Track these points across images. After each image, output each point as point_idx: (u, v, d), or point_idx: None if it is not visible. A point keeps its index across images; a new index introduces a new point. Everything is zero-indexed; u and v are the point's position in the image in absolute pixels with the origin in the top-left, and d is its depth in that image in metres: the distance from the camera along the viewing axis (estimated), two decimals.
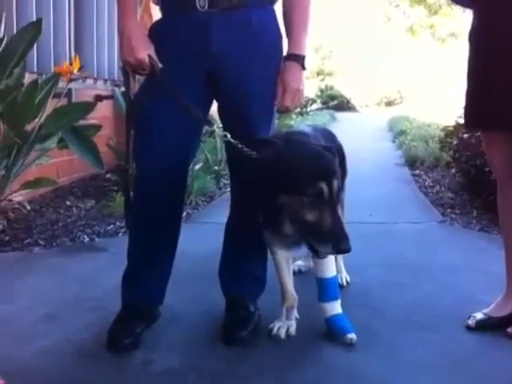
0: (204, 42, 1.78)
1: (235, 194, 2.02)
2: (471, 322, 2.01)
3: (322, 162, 1.67)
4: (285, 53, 1.90)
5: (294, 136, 1.87)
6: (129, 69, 1.80)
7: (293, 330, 1.94)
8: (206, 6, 1.76)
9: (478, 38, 1.93)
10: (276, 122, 2.01)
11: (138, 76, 1.92)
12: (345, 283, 2.39)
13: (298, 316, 1.98)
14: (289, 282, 1.96)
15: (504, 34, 1.83)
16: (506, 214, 2.05)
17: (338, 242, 1.59)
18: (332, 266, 1.94)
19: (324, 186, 1.60)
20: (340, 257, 2.39)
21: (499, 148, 1.96)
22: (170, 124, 1.82)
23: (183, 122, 1.81)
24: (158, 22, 1.90)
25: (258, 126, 1.84)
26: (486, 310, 2.04)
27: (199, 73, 1.81)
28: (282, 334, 1.92)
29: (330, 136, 2.23)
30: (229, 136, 1.79)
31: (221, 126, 1.89)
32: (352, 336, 1.86)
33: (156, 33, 1.84)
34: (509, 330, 1.94)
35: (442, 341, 1.92)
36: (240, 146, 1.76)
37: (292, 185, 1.61)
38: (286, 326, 1.94)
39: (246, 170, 1.77)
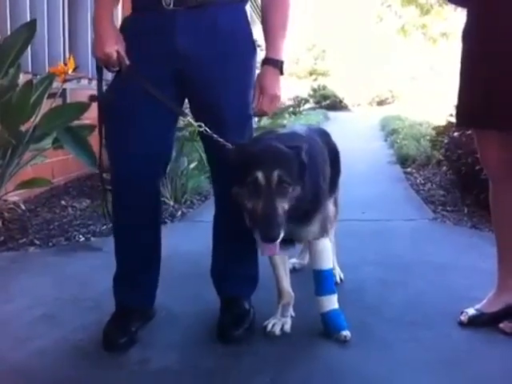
0: (170, 41, 1.77)
1: (216, 188, 2.04)
2: (463, 317, 2.04)
3: (266, 154, 1.68)
4: (262, 56, 1.91)
5: (263, 135, 1.93)
6: (101, 64, 1.81)
7: (288, 327, 1.96)
8: (172, 4, 1.75)
9: (471, 36, 1.94)
10: (267, 122, 2.04)
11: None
12: (338, 280, 2.42)
13: (293, 313, 2.00)
14: (285, 279, 1.99)
15: (498, 32, 1.84)
16: (497, 212, 2.07)
17: (266, 229, 1.61)
18: (329, 259, 1.97)
19: (260, 175, 1.62)
20: (333, 253, 2.42)
21: (491, 146, 1.98)
22: (140, 115, 1.81)
23: (155, 113, 1.81)
24: (127, 17, 1.89)
25: (230, 127, 1.84)
26: (478, 306, 2.06)
27: (166, 72, 1.81)
28: (277, 331, 1.94)
29: (324, 135, 2.25)
30: (203, 126, 1.80)
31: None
32: (346, 333, 1.88)
33: (124, 29, 1.85)
34: (501, 325, 1.97)
35: (435, 338, 1.95)
36: (215, 136, 1.78)
37: (239, 176, 1.67)
38: (280, 322, 1.96)
39: (222, 162, 1.79)
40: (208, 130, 1.80)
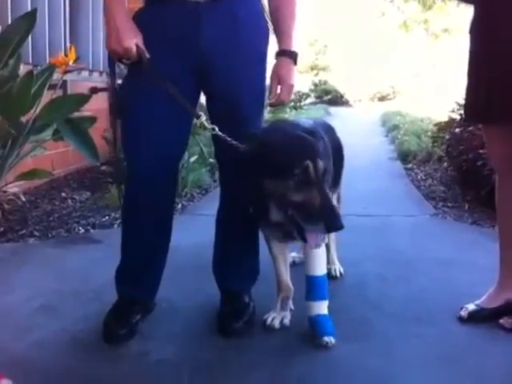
0: (193, 35, 1.76)
1: (224, 186, 2.03)
2: (464, 313, 2.04)
3: (304, 143, 1.69)
4: (276, 48, 1.91)
5: (275, 124, 1.95)
6: (115, 58, 1.77)
7: (287, 320, 1.96)
8: None
9: (478, 30, 1.94)
10: (271, 115, 2.03)
11: (122, 67, 1.90)
12: (338, 275, 2.42)
13: (292, 307, 2.00)
14: (285, 273, 1.98)
15: (505, 26, 1.84)
16: (502, 207, 2.07)
17: (330, 220, 1.59)
18: (323, 265, 1.93)
19: (310, 165, 1.62)
20: (333, 248, 2.42)
21: (500, 141, 1.98)
22: (157, 116, 1.80)
23: (171, 113, 1.80)
24: (141, 10, 1.86)
25: (247, 119, 1.85)
26: (478, 302, 2.06)
27: (188, 66, 1.80)
28: (276, 325, 1.93)
29: (328, 129, 2.25)
30: (216, 129, 1.78)
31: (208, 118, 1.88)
32: (329, 339, 1.83)
33: (140, 22, 1.79)
34: (501, 320, 1.97)
35: (436, 333, 1.94)
36: (229, 139, 1.76)
37: (277, 169, 1.64)
38: (280, 316, 1.95)
39: (234, 163, 1.79)
40: (220, 133, 1.78)
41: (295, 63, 1.90)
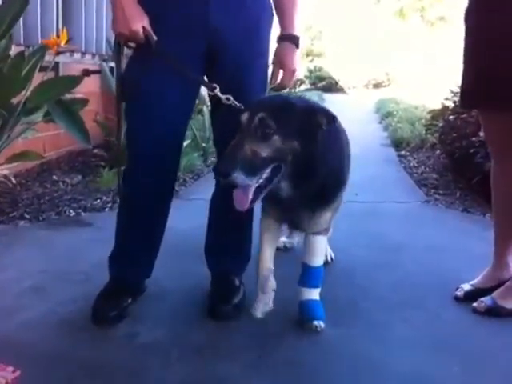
0: (202, 15, 1.75)
1: None
2: (459, 293, 2.09)
3: (264, 100, 1.66)
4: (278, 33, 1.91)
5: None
6: (121, 41, 1.76)
7: (268, 306, 1.88)
8: None
9: (474, 17, 1.94)
10: None
11: (126, 50, 1.89)
12: (329, 260, 2.42)
13: (274, 286, 1.90)
14: (268, 251, 1.90)
15: (501, 12, 1.84)
16: (497, 192, 2.10)
17: (218, 162, 1.57)
18: (321, 256, 1.93)
19: (244, 116, 1.59)
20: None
21: (497, 126, 1.99)
22: (164, 97, 1.80)
23: (177, 93, 1.80)
24: None
25: (248, 99, 1.81)
26: (473, 282, 2.12)
27: (197, 49, 1.79)
28: (259, 314, 1.88)
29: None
30: (231, 98, 1.76)
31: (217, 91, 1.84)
32: (318, 323, 1.84)
33: (144, 2, 1.76)
34: (474, 304, 2.01)
35: (425, 318, 1.96)
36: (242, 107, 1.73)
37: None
38: (261, 303, 1.88)
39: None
40: (236, 102, 1.76)
41: (297, 47, 1.89)
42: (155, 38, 1.73)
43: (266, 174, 1.58)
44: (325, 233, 1.90)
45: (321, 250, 1.91)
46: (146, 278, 2.03)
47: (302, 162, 1.59)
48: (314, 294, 1.90)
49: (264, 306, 1.89)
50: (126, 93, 1.85)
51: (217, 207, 2.05)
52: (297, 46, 1.89)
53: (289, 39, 1.88)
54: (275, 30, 1.95)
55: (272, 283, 1.90)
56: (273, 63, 1.91)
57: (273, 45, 1.94)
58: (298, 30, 1.91)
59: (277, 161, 1.57)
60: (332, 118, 1.61)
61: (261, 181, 1.58)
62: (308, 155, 1.59)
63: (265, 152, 1.55)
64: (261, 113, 1.55)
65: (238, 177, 1.50)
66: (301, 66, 1.96)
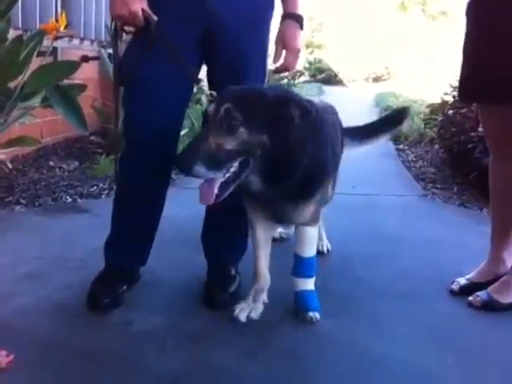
0: (201, 0, 1.73)
1: None
2: (455, 286, 2.09)
3: (231, 91, 1.57)
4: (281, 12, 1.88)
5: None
6: (119, 24, 1.73)
7: (255, 314, 1.84)
8: None
9: (476, 11, 1.94)
10: None
11: (124, 37, 1.87)
12: (325, 251, 2.42)
13: (266, 300, 1.90)
14: (263, 263, 1.89)
15: (503, 6, 1.83)
16: (495, 187, 2.09)
17: (179, 156, 1.49)
18: (313, 247, 1.90)
19: (210, 108, 1.53)
20: (321, 224, 2.34)
21: (496, 120, 1.98)
22: (162, 84, 1.78)
23: (175, 79, 1.78)
24: None
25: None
26: (469, 276, 2.12)
27: (195, 33, 1.77)
28: (242, 318, 1.82)
29: (330, 109, 2.17)
30: (215, 94, 1.74)
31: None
32: (314, 315, 1.83)
33: None
34: (470, 298, 2.01)
35: (421, 311, 1.97)
36: None
37: None
38: (249, 308, 1.85)
39: None
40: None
41: (301, 27, 1.85)
42: (155, 18, 1.70)
43: (233, 168, 1.51)
44: (314, 223, 1.85)
45: (311, 241, 1.87)
46: (142, 265, 2.02)
47: (272, 157, 1.52)
48: (309, 284, 1.88)
49: (250, 312, 1.84)
50: (123, 79, 1.84)
51: None
52: (301, 26, 1.84)
53: (292, 17, 1.84)
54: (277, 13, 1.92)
55: (264, 295, 1.89)
56: (275, 42, 1.85)
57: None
58: (301, 9, 1.86)
59: (244, 154, 1.51)
60: (307, 111, 1.54)
61: (228, 175, 1.52)
62: (279, 149, 1.52)
63: (230, 145, 1.48)
64: (227, 104, 1.49)
65: (200, 170, 1.45)
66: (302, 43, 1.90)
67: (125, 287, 1.93)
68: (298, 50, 1.84)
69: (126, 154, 1.92)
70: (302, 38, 1.86)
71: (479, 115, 2.10)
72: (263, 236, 1.87)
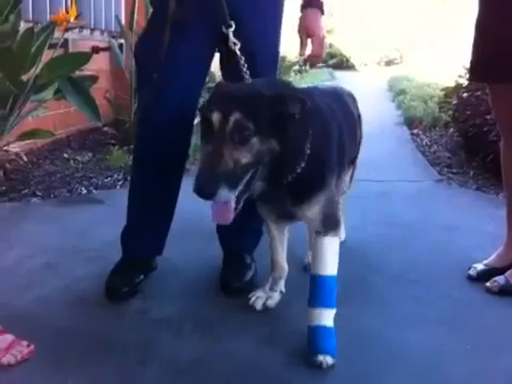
0: None
1: None
2: (472, 272, 2.08)
3: (226, 92, 1.41)
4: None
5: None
6: None
7: (272, 302, 1.83)
8: None
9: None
10: None
11: (134, 28, 1.87)
12: (342, 239, 2.36)
13: (283, 289, 1.88)
14: (280, 252, 1.84)
15: None
16: (508, 170, 2.07)
17: (199, 181, 1.31)
18: (333, 262, 1.61)
19: (215, 118, 1.35)
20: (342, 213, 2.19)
21: (506, 101, 1.95)
22: (177, 67, 1.76)
23: (192, 64, 1.77)
24: None
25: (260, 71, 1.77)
26: (486, 261, 2.10)
27: (210, 22, 1.75)
28: (258, 306, 1.81)
29: (349, 97, 2.08)
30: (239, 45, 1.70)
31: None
32: (325, 359, 1.51)
33: None
34: (488, 284, 1.99)
35: (435, 296, 1.96)
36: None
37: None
38: (265, 296, 1.83)
39: None
40: (241, 57, 1.69)
41: (322, 12, 1.80)
42: None
43: (245, 179, 1.39)
44: (333, 232, 1.62)
45: (330, 255, 1.60)
46: (158, 255, 2.03)
47: (277, 158, 1.40)
48: (326, 318, 1.58)
49: (266, 300, 1.83)
50: (138, 64, 1.85)
51: None
52: (322, 11, 1.80)
53: (313, 5, 1.79)
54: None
55: (282, 285, 1.87)
56: (298, 32, 1.80)
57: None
58: None
59: (257, 164, 1.39)
60: (304, 103, 1.41)
61: (240, 187, 1.39)
62: (284, 150, 1.40)
63: (246, 158, 1.34)
64: (235, 113, 1.33)
65: (224, 193, 1.32)
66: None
67: (142, 276, 1.94)
68: (323, 37, 1.80)
69: (139, 143, 1.92)
70: (324, 22, 1.80)
71: (490, 97, 2.07)
72: (276, 229, 1.81)
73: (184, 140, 1.92)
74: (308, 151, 1.50)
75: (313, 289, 1.61)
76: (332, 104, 1.73)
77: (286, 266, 1.87)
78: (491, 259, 2.10)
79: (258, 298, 1.83)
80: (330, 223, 1.61)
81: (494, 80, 1.96)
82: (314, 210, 1.59)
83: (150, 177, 1.91)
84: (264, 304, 1.82)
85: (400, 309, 1.86)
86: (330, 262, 1.60)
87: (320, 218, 1.60)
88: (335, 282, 1.61)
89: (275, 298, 1.85)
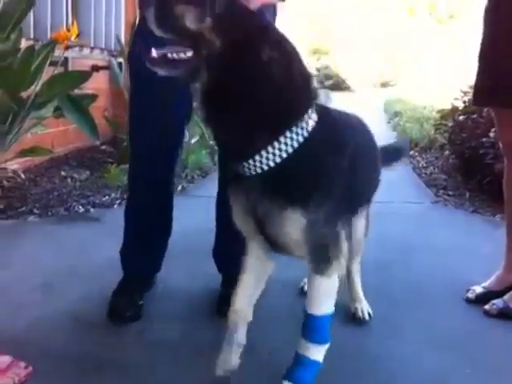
0: None
1: (222, 168, 1.99)
2: (471, 295, 2.07)
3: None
4: None
5: None
6: None
7: (228, 365, 1.48)
8: None
9: (492, 17, 1.94)
10: None
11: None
12: (366, 317, 1.91)
13: (244, 341, 1.54)
14: (245, 287, 1.51)
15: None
16: (510, 192, 2.07)
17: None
18: (327, 303, 1.44)
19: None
20: (358, 281, 1.97)
21: (509, 126, 1.97)
22: (166, 84, 1.74)
23: (174, 88, 1.68)
24: None
25: None
26: (485, 284, 2.09)
27: None
28: (218, 370, 1.49)
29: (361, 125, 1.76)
30: None
31: None
32: None
33: None
34: (486, 307, 1.99)
35: (435, 319, 1.95)
36: None
37: None
38: (222, 360, 1.50)
39: None
40: None
41: None
42: None
43: (182, 55, 1.24)
44: (328, 271, 1.39)
45: (325, 297, 1.43)
46: (157, 272, 2.03)
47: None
48: (312, 352, 1.45)
49: (223, 363, 1.49)
50: (131, 75, 1.86)
51: (222, 205, 2.00)
52: None
53: None
54: None
55: (241, 336, 1.52)
56: None
57: None
58: None
59: (193, 47, 1.24)
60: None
61: (175, 56, 1.25)
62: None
63: (191, 23, 1.22)
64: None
65: (151, 16, 1.22)
66: None
67: (143, 297, 1.94)
68: None
69: (131, 161, 1.94)
70: None
71: (495, 120, 2.09)
72: (256, 250, 1.51)
73: (172, 156, 1.92)
74: (305, 133, 1.29)
75: (305, 322, 1.47)
76: (356, 127, 1.61)
77: (249, 310, 1.52)
78: (490, 282, 2.10)
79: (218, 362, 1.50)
80: (322, 256, 1.38)
81: (500, 105, 1.98)
82: (295, 225, 1.31)
83: (140, 195, 1.93)
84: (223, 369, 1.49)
85: (399, 331, 1.85)
86: (323, 304, 1.44)
87: (309, 245, 1.35)
88: (328, 319, 1.46)
89: (231, 356, 1.49)
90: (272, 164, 1.28)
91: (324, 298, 1.43)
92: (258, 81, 1.23)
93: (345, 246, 1.43)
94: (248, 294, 1.51)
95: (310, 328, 1.45)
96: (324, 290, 1.42)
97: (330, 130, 1.37)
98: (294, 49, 1.31)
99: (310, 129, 1.30)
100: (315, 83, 1.36)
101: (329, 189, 1.35)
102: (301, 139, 1.29)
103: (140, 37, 1.77)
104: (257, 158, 1.28)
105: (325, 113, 1.38)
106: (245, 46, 1.22)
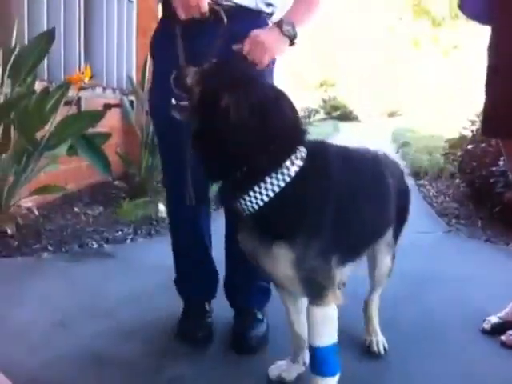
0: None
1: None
2: (486, 325, 2.05)
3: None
4: None
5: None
6: (181, 14, 1.65)
7: (287, 375, 1.68)
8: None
9: (496, 51, 1.96)
10: None
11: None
12: (382, 351, 1.89)
13: (307, 361, 1.67)
14: (295, 322, 1.67)
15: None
16: None
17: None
18: (328, 332, 1.47)
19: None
20: (375, 314, 1.97)
21: None
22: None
23: None
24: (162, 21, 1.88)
25: None
26: (500, 314, 2.07)
27: None
28: (271, 374, 1.70)
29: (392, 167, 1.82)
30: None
31: None
32: None
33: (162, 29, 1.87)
34: (503, 337, 1.96)
35: (451, 352, 1.93)
36: None
37: None
38: (281, 368, 1.71)
39: None
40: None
41: (282, 32, 1.66)
42: (225, 19, 1.67)
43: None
44: (320, 301, 1.45)
45: (323, 326, 1.46)
46: (211, 298, 2.08)
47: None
48: None
49: (282, 372, 1.70)
50: (155, 124, 1.97)
51: (230, 239, 2.00)
52: (281, 29, 1.66)
53: (275, 23, 1.70)
54: None
55: (303, 355, 1.68)
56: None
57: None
58: (295, 24, 1.68)
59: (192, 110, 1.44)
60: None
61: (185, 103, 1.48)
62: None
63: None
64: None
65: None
66: (278, 47, 1.67)
67: (210, 319, 2.01)
68: (257, 37, 1.63)
69: (167, 194, 2.04)
70: (275, 36, 1.66)
71: (504, 150, 2.10)
72: (289, 297, 1.64)
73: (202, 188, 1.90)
74: (287, 178, 1.36)
75: (311, 356, 1.52)
76: (352, 165, 1.56)
77: (304, 336, 1.63)
78: (505, 312, 2.08)
79: (274, 368, 1.72)
80: (316, 288, 1.45)
81: (506, 136, 1.99)
82: (284, 260, 1.40)
83: (178, 225, 2.03)
84: (279, 376, 1.69)
85: (414, 365, 1.83)
86: (323, 333, 1.47)
87: (300, 279, 1.42)
88: (332, 350, 1.47)
89: (293, 370, 1.70)
90: (256, 207, 1.38)
91: (323, 328, 1.47)
92: (218, 126, 1.36)
93: (337, 279, 1.50)
94: (298, 322, 1.65)
95: (316, 361, 1.49)
96: (322, 320, 1.46)
97: (318, 170, 1.43)
98: (275, 97, 1.41)
99: (292, 174, 1.37)
100: (302, 126, 1.47)
101: (314, 226, 1.41)
102: (282, 184, 1.37)
103: (158, 90, 1.87)
104: (242, 200, 1.40)
105: (318, 152, 1.45)
106: (208, 94, 1.40)
